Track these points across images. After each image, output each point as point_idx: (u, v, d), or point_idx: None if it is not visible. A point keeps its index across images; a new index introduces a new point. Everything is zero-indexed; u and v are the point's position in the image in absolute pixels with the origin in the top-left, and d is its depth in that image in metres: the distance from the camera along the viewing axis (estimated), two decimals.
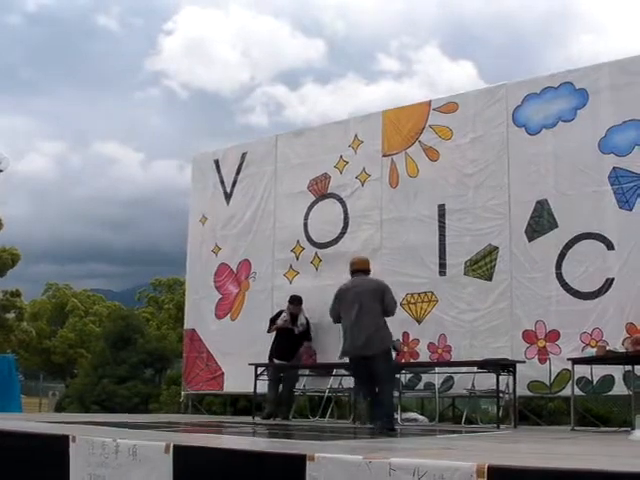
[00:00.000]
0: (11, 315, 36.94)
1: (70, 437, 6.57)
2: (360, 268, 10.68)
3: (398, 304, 12.51)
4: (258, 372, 13.17)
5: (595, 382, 11.07)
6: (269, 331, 13.79)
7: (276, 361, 13.37)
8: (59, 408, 29.23)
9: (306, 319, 13.77)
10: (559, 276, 11.78)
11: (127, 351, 28.28)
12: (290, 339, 13.49)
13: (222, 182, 16.16)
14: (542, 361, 11.75)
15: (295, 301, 13.71)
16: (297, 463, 5.00)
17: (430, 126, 13.41)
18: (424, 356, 12.86)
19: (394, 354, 10.81)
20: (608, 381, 11.12)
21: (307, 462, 4.95)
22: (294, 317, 13.64)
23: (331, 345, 13.86)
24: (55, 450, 6.62)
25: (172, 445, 5.79)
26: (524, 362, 11.56)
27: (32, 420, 10.74)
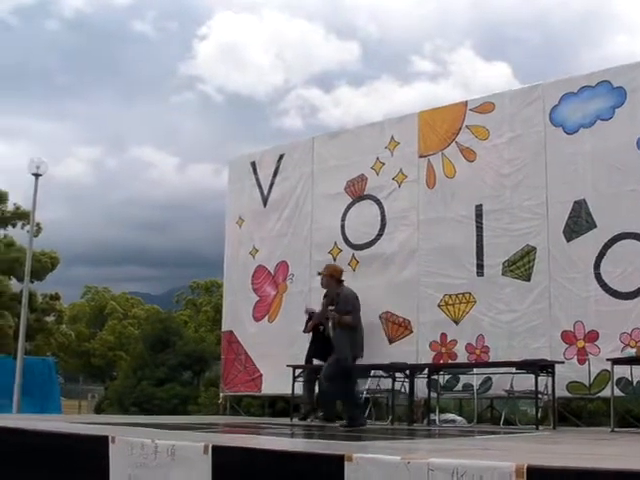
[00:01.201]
0: (51, 318, 37.24)
1: (110, 438, 6.61)
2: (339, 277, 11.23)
3: (436, 304, 12.73)
4: (296, 374, 13.18)
5: (635, 383, 10.98)
6: (305, 331, 13.79)
7: (315, 361, 13.35)
8: (98, 410, 29.50)
9: None
10: (598, 276, 11.70)
11: (165, 353, 28.46)
12: (326, 339, 13.46)
13: (259, 184, 16.21)
14: (581, 362, 11.67)
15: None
16: (335, 463, 5.00)
17: (467, 126, 13.37)
18: (462, 357, 12.82)
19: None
20: None
21: (345, 462, 4.94)
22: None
23: (368, 347, 13.86)
24: (95, 451, 6.66)
25: (211, 446, 5.80)
26: (563, 363, 11.49)
27: (72, 421, 10.82)
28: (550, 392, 11.22)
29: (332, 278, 11.05)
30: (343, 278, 11.15)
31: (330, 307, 10.79)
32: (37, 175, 24.02)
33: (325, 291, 12.40)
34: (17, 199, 34.97)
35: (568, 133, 12.30)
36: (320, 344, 13.25)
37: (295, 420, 13.08)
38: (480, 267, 12.86)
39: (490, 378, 12.36)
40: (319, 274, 11.65)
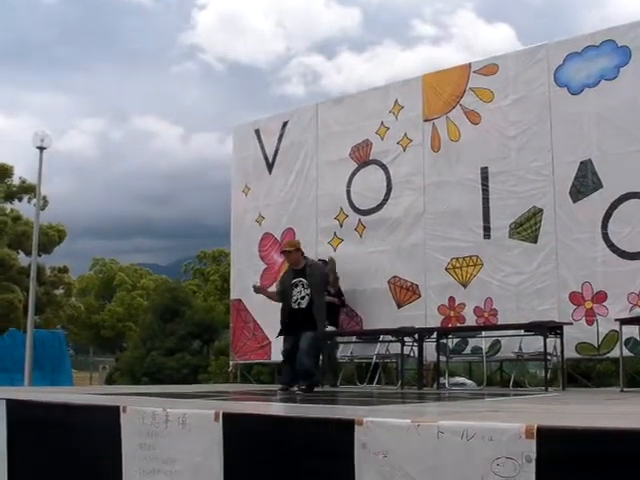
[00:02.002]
0: (60, 291, 37.34)
1: (121, 408, 6.63)
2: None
3: (443, 268, 12.71)
4: None
5: None
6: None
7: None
8: (109, 381, 29.62)
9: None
10: (605, 237, 11.68)
11: (175, 323, 28.51)
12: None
13: (263, 152, 16.18)
14: (589, 323, 11.68)
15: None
16: (345, 428, 5.01)
17: (471, 89, 13.31)
18: (470, 320, 12.84)
19: None
20: None
21: (355, 427, 4.95)
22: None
23: (377, 312, 13.92)
24: (107, 421, 6.69)
25: (221, 413, 5.83)
26: (571, 324, 11.50)
27: (83, 392, 10.87)
28: (559, 353, 11.24)
29: (299, 252, 11.17)
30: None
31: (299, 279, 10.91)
32: (41, 148, 24.06)
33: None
34: (22, 173, 35.04)
35: (573, 93, 12.24)
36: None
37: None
38: (487, 230, 12.85)
39: (499, 341, 12.38)
40: (283, 252, 11.84)
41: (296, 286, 10.93)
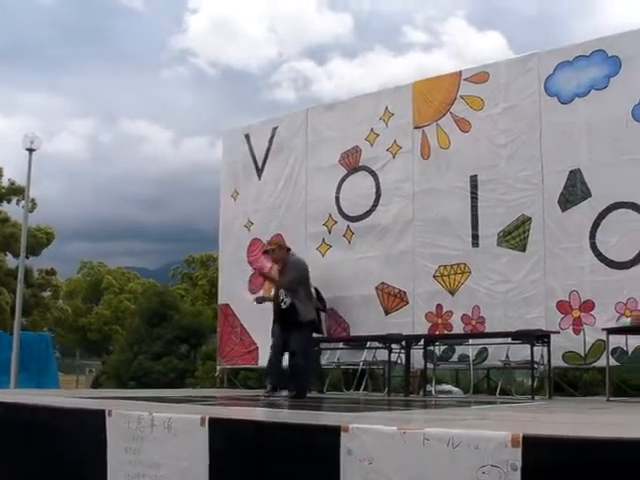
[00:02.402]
0: (47, 293, 37.32)
1: (106, 411, 6.63)
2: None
3: (432, 275, 12.72)
4: None
5: (630, 352, 11.00)
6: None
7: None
8: (96, 385, 29.59)
9: (316, 289, 13.61)
10: (593, 246, 11.70)
11: (162, 327, 28.50)
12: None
13: (253, 157, 16.16)
14: (577, 332, 11.69)
15: None
16: (331, 434, 5.01)
17: (461, 97, 13.32)
18: (458, 328, 12.84)
19: None
20: None
21: (342, 433, 4.96)
22: None
23: (364, 318, 13.91)
24: (92, 425, 6.68)
25: (208, 418, 5.83)
26: (558, 333, 11.51)
27: (69, 396, 10.84)
28: (546, 362, 11.27)
29: (282, 249, 11.09)
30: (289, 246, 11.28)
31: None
32: (31, 150, 23.99)
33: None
34: (11, 175, 34.96)
35: (563, 103, 12.26)
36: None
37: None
38: (475, 238, 12.86)
39: (486, 349, 12.38)
40: (265, 252, 11.88)
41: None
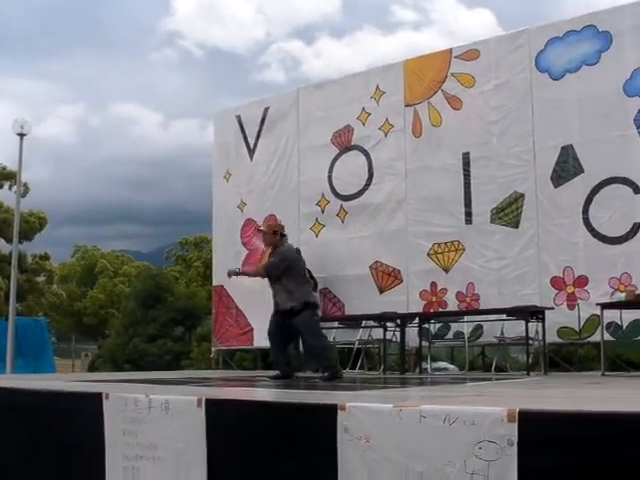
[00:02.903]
0: (41, 278, 37.30)
1: (103, 394, 6.63)
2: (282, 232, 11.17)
3: (425, 254, 12.71)
4: None
5: (625, 327, 11.07)
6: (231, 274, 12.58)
7: None
8: (92, 368, 29.61)
9: (308, 270, 13.63)
10: (586, 221, 11.72)
11: (157, 310, 28.48)
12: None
13: (245, 138, 16.14)
14: (571, 307, 11.73)
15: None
16: (328, 413, 5.02)
17: (452, 74, 13.31)
18: (452, 305, 12.87)
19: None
20: (638, 325, 11.11)
21: (338, 412, 4.97)
22: None
23: (359, 297, 13.93)
24: (89, 408, 6.69)
25: (204, 399, 5.83)
26: (553, 308, 11.54)
27: (66, 380, 10.85)
28: (541, 338, 11.31)
29: (275, 234, 10.95)
30: (285, 233, 11.10)
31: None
32: (22, 135, 23.95)
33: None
34: (2, 160, 34.88)
35: (554, 79, 12.26)
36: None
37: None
38: (468, 215, 12.87)
39: (481, 326, 12.42)
40: (259, 231, 11.67)
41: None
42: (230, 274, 11.90)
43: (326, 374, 10.33)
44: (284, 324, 10.53)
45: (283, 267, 10.61)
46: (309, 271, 13.50)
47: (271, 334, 10.79)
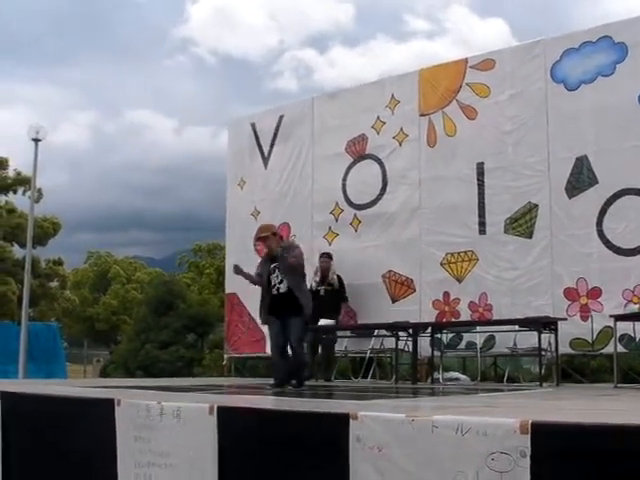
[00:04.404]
0: (54, 284, 37.28)
1: (115, 401, 6.64)
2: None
3: (439, 263, 12.71)
4: None
5: (638, 339, 11.01)
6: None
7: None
8: (104, 374, 29.62)
9: (338, 276, 13.73)
10: (600, 233, 11.69)
11: (169, 316, 28.52)
12: (319, 299, 13.15)
13: (259, 146, 16.17)
14: (584, 318, 11.70)
15: (324, 255, 13.70)
16: (341, 422, 5.02)
17: (467, 84, 13.31)
18: (465, 315, 12.85)
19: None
20: None
21: (350, 421, 4.97)
22: (324, 273, 13.59)
23: (371, 306, 13.92)
24: (101, 414, 6.70)
25: (216, 406, 5.84)
26: (566, 320, 11.50)
27: (78, 385, 10.87)
28: (553, 349, 11.26)
29: (276, 236, 10.94)
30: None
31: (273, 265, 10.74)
32: (37, 140, 23.96)
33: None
34: (16, 165, 34.90)
35: (569, 89, 12.25)
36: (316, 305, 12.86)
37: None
38: (482, 225, 12.86)
39: (493, 336, 12.39)
40: (259, 239, 11.53)
41: (273, 272, 10.76)
42: (237, 271, 11.49)
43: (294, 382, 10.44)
44: (285, 329, 10.52)
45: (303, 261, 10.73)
46: (340, 280, 13.58)
47: (278, 344, 10.75)
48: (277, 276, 10.64)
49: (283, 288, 10.56)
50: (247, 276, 11.29)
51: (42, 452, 7.26)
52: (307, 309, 10.48)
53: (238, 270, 11.26)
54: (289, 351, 10.66)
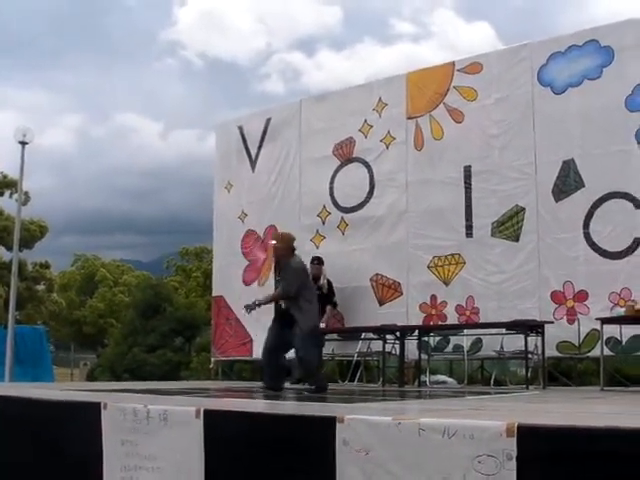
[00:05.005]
0: (41, 287, 37.24)
1: (102, 404, 6.63)
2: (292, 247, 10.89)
3: (426, 266, 12.69)
4: None
5: (624, 342, 11.04)
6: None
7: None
8: (91, 378, 29.58)
9: (328, 281, 13.73)
10: (587, 236, 11.71)
11: (156, 320, 28.52)
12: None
13: (247, 148, 16.15)
14: (571, 321, 11.71)
15: (315, 261, 13.66)
16: (327, 425, 5.02)
17: (454, 87, 13.32)
18: (452, 318, 12.85)
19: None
20: (637, 340, 11.08)
21: (337, 424, 4.97)
22: (315, 278, 13.58)
23: (358, 309, 13.92)
24: (87, 417, 6.69)
25: (202, 410, 5.83)
26: (552, 323, 11.52)
27: (64, 389, 10.84)
28: (540, 352, 11.28)
29: (287, 249, 10.81)
30: (295, 246, 10.94)
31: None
32: (24, 143, 23.88)
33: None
34: (3, 168, 34.83)
35: (556, 93, 12.27)
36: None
37: (287, 384, 13.09)
38: (469, 228, 12.87)
39: (480, 339, 12.40)
40: (273, 242, 11.36)
41: (279, 282, 10.80)
42: (249, 309, 11.17)
43: (313, 387, 10.37)
44: (284, 336, 10.48)
45: (298, 284, 10.51)
46: (330, 285, 13.54)
47: (270, 348, 10.70)
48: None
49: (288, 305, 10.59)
50: (262, 302, 11.23)
51: (27, 455, 7.24)
52: (303, 325, 10.37)
53: (251, 308, 11.16)
54: (280, 356, 10.66)
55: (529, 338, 10.91)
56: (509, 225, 12.46)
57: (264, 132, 15.89)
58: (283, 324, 10.54)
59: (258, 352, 14.63)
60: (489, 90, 12.94)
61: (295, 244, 10.82)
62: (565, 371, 14.04)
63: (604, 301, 11.33)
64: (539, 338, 11.19)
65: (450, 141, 13.26)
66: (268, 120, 15.90)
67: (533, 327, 11.15)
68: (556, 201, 12.06)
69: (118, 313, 45.65)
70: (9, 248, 31.29)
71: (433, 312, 13.11)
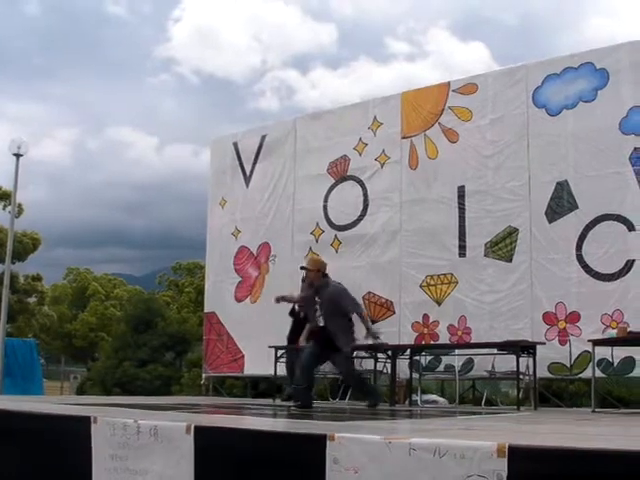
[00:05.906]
0: (32, 299, 37.10)
1: (91, 418, 6.60)
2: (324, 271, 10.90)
3: (418, 285, 12.70)
4: (278, 354, 13.17)
5: (616, 364, 11.05)
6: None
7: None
8: (81, 391, 29.46)
9: None
10: (579, 258, 11.75)
11: (148, 334, 28.45)
12: (300, 322, 13.16)
13: (241, 165, 16.18)
14: (562, 343, 11.73)
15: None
16: (318, 443, 5.00)
17: (449, 107, 13.37)
18: (444, 338, 12.86)
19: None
20: (629, 363, 11.10)
21: (327, 442, 4.95)
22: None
23: None
24: (77, 432, 6.65)
25: (193, 426, 5.81)
26: (544, 344, 11.52)
27: (54, 402, 10.80)
28: (531, 373, 11.27)
29: (319, 273, 10.84)
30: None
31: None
32: (18, 155, 23.86)
33: (303, 274, 12.28)
34: None
35: (551, 114, 12.32)
36: (295, 326, 13.02)
37: (278, 401, 13.08)
38: (462, 248, 12.89)
39: (472, 359, 12.40)
40: (302, 268, 11.40)
41: (321, 305, 10.77)
42: (278, 300, 11.61)
43: (372, 402, 10.66)
44: (322, 357, 10.61)
45: (314, 306, 10.76)
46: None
47: (310, 367, 10.70)
48: (317, 309, 10.77)
49: (321, 322, 10.63)
50: (290, 299, 11.32)
51: (16, 469, 7.20)
52: (343, 343, 10.41)
53: (281, 299, 11.31)
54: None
55: (521, 359, 10.90)
56: (502, 245, 12.48)
57: (259, 149, 15.93)
58: (322, 344, 10.53)
59: (249, 369, 14.72)
60: (484, 111, 13.00)
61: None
62: (557, 392, 14.08)
63: (596, 323, 11.37)
64: (531, 359, 11.18)
65: (444, 161, 13.31)
66: (263, 137, 15.94)
67: (525, 348, 11.14)
68: (549, 222, 12.09)
69: (109, 327, 45.44)
70: (1, 260, 31.20)
71: (425, 331, 13.12)
